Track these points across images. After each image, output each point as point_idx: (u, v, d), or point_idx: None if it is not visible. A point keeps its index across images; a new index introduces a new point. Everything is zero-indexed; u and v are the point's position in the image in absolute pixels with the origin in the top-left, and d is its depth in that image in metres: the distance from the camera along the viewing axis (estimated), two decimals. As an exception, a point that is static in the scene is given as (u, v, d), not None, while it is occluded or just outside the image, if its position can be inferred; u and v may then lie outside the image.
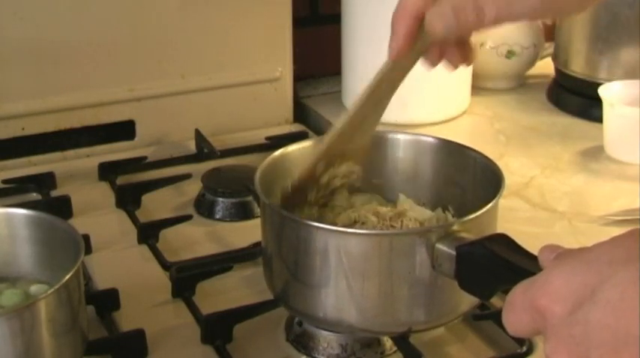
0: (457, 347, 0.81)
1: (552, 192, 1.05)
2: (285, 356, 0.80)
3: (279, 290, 0.79)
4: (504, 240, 0.67)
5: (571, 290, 0.49)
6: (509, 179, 1.06)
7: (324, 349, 0.79)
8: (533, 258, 0.60)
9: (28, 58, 1.12)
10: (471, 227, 0.71)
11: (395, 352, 0.79)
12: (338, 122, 0.78)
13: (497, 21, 0.66)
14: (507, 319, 0.54)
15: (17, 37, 1.11)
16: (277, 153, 0.84)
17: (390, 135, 0.88)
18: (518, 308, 0.53)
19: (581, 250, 0.52)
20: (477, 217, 0.72)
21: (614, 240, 0.51)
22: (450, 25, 0.67)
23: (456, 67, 0.74)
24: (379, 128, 0.80)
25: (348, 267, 0.71)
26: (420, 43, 0.71)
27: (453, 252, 0.68)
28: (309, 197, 0.80)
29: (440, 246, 0.70)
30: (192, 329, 0.83)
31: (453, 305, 0.75)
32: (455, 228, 0.71)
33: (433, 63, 0.73)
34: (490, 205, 0.74)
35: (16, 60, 1.12)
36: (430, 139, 0.86)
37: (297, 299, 0.76)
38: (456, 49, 0.73)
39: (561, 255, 0.55)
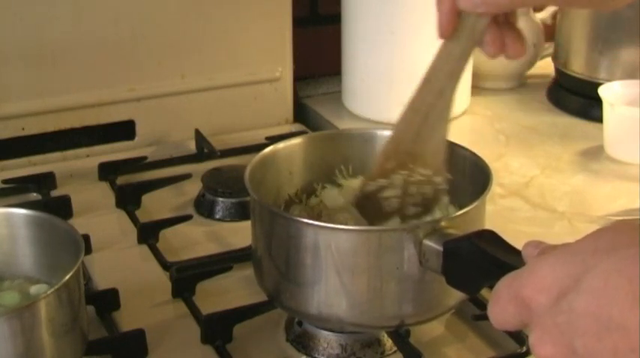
0: (457, 347, 0.81)
1: (552, 192, 1.05)
2: (285, 356, 0.80)
3: (272, 288, 0.79)
4: (491, 236, 0.67)
5: (556, 280, 0.50)
6: (509, 179, 1.07)
7: (324, 349, 0.79)
8: (518, 253, 0.61)
9: (28, 58, 1.12)
10: (459, 223, 0.71)
11: (395, 352, 0.79)
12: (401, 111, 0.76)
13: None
14: (493, 311, 0.54)
15: (17, 37, 1.11)
16: (268, 149, 0.84)
17: (380, 132, 0.88)
18: (503, 300, 0.53)
19: (566, 244, 0.52)
20: (464, 213, 0.73)
21: (598, 232, 0.51)
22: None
23: (511, 56, 0.74)
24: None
25: (338, 262, 0.72)
26: (467, 28, 0.70)
27: (440, 248, 0.69)
28: (386, 202, 0.78)
29: (427, 242, 0.70)
30: (192, 329, 0.83)
31: (441, 299, 0.75)
32: (443, 224, 0.71)
33: (491, 54, 0.73)
34: (477, 202, 0.74)
35: (16, 60, 1.12)
36: None
37: (288, 296, 0.76)
38: (511, 41, 0.72)
39: (545, 249, 0.55)
